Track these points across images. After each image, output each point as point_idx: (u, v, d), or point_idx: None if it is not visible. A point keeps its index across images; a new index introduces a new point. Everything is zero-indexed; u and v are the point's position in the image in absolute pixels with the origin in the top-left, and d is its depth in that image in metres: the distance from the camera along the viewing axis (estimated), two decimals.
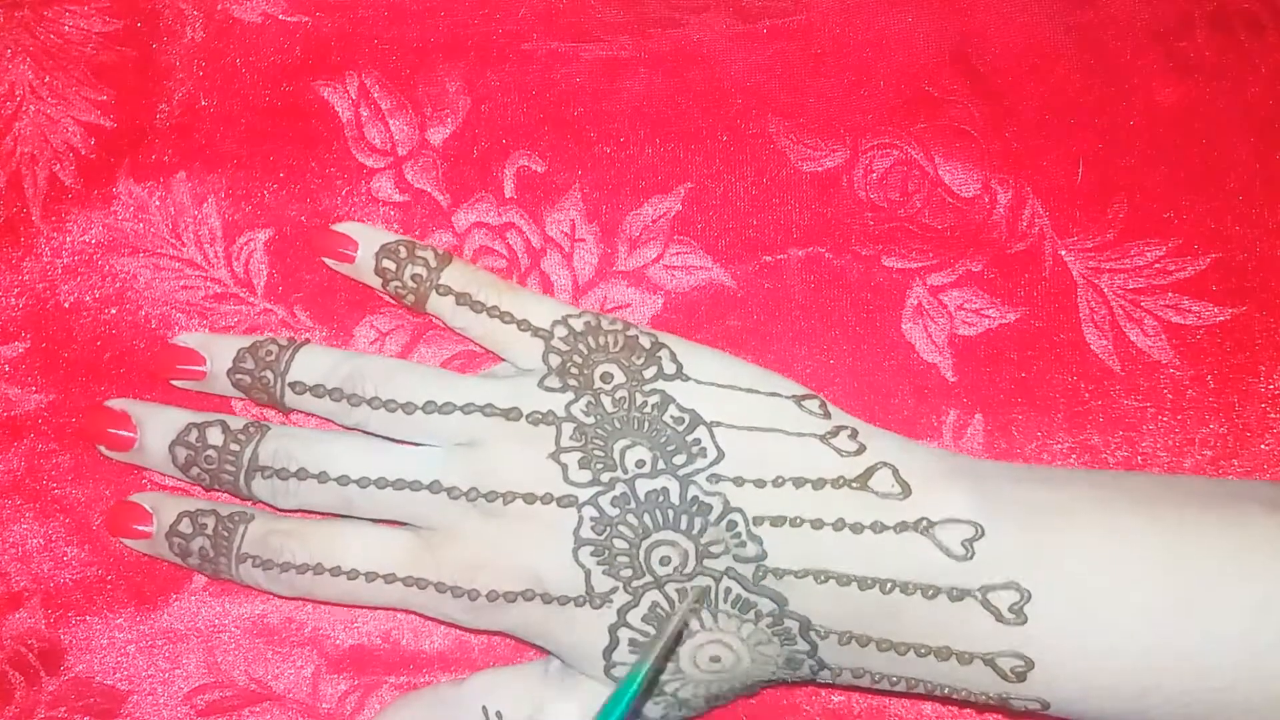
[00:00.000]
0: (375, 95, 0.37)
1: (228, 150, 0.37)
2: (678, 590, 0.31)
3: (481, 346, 0.35)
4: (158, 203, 0.37)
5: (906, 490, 0.31)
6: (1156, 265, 0.36)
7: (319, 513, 0.34)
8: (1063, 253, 0.36)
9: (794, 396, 0.33)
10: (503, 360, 0.35)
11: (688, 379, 0.33)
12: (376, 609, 0.35)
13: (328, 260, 0.36)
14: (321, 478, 0.33)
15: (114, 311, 0.37)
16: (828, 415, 0.32)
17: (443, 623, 0.34)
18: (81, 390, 0.36)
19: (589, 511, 0.31)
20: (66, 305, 0.36)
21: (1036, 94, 0.37)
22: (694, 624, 0.31)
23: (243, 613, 0.35)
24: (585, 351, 0.33)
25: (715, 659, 0.31)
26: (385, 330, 0.37)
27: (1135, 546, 0.30)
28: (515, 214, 0.37)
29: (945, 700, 0.32)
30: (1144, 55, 0.38)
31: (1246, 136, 0.37)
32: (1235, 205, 0.37)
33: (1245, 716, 0.29)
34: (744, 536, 0.31)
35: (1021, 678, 0.30)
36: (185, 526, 0.34)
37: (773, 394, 0.33)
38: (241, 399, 0.36)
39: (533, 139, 0.37)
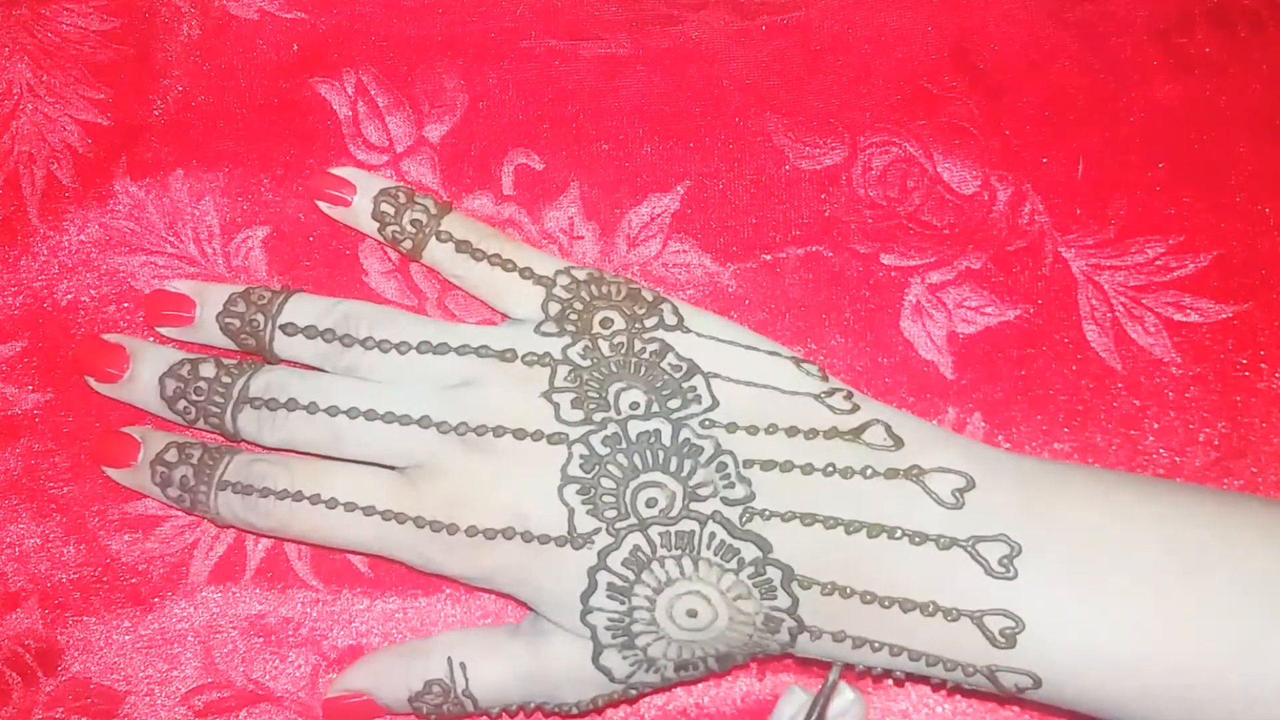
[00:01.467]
0: (373, 92, 0.37)
1: (225, 147, 0.37)
2: (660, 534, 0.31)
3: (478, 298, 0.35)
4: (155, 201, 0.37)
5: (899, 444, 0.31)
6: (1157, 262, 0.36)
7: (304, 453, 0.34)
8: (1063, 250, 0.36)
9: (793, 358, 0.33)
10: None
11: (688, 331, 0.33)
12: (351, 552, 0.35)
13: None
14: (311, 408, 0.32)
15: (112, 310, 0.36)
16: (825, 379, 0.32)
17: (420, 572, 0.34)
18: (78, 390, 0.36)
19: (579, 449, 0.31)
20: (64, 304, 0.36)
21: (1036, 91, 0.37)
22: (674, 572, 0.31)
23: (240, 613, 0.35)
24: (587, 299, 0.33)
25: (692, 613, 0.31)
26: None
27: (1129, 519, 0.30)
28: (514, 211, 0.37)
29: (929, 682, 0.31)
30: (1144, 52, 0.38)
31: (1247, 133, 0.37)
32: (1236, 202, 0.37)
33: (1247, 705, 0.28)
34: (733, 478, 0.31)
35: (1011, 641, 0.29)
36: (171, 455, 0.34)
37: (772, 354, 0.33)
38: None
39: (531, 136, 0.37)
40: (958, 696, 0.35)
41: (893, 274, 0.36)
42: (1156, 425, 0.36)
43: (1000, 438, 0.35)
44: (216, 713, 0.35)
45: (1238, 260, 0.36)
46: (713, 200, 0.37)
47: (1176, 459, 0.35)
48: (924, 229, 0.36)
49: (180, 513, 0.35)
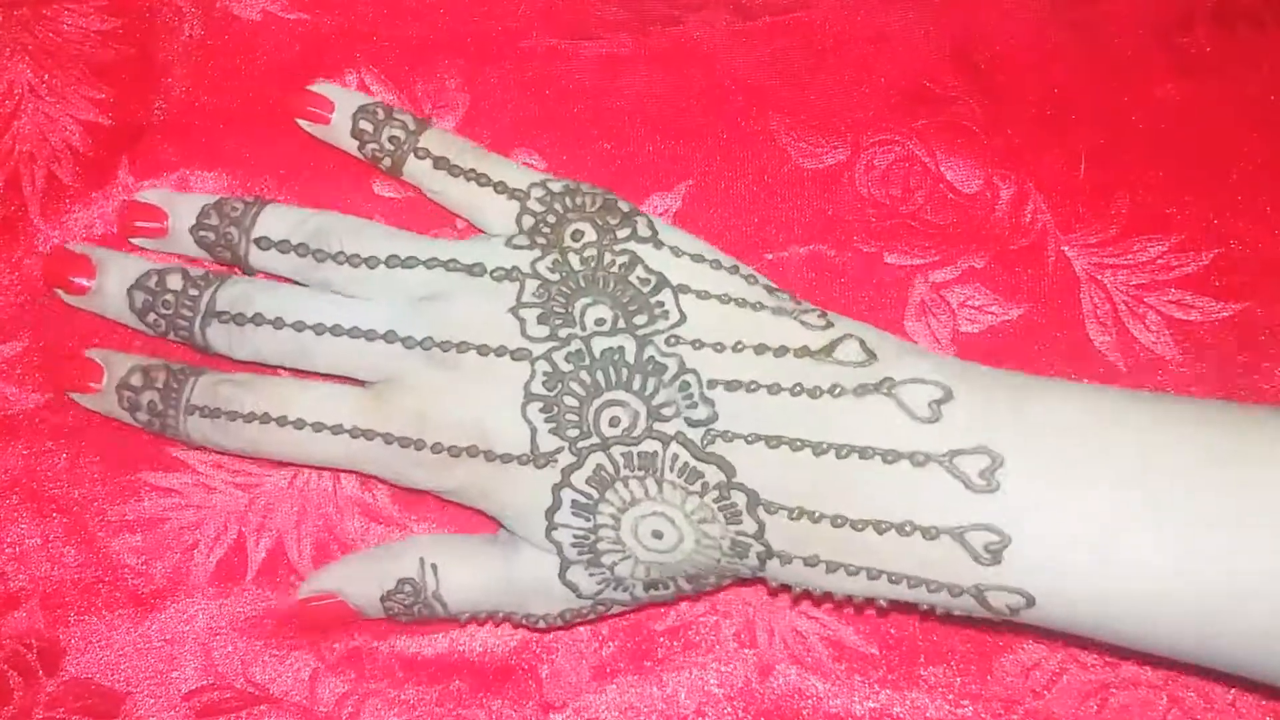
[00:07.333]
0: (375, 92, 0.37)
1: (227, 148, 0.37)
2: (623, 454, 0.30)
3: (457, 214, 0.35)
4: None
5: (872, 358, 0.30)
6: (1159, 261, 0.36)
7: (273, 367, 0.34)
8: (1065, 249, 0.36)
9: (768, 285, 0.32)
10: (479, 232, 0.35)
11: (661, 245, 0.32)
12: (323, 469, 0.35)
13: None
14: (278, 323, 0.32)
15: None
16: (798, 303, 0.32)
17: (391, 485, 0.34)
18: None
19: (542, 366, 0.31)
20: (65, 304, 0.36)
21: (1038, 90, 0.37)
22: (638, 492, 0.30)
23: (241, 614, 0.35)
24: (560, 211, 0.33)
25: (657, 534, 0.30)
26: None
27: (1112, 422, 0.28)
28: None
29: (912, 611, 0.29)
30: (1145, 51, 0.38)
31: (1248, 132, 0.37)
32: (1237, 200, 0.37)
33: (1236, 618, 0.26)
34: (696, 398, 0.30)
35: (996, 557, 0.27)
36: (136, 380, 0.34)
37: (748, 277, 0.32)
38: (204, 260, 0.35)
39: (533, 136, 0.37)
40: (959, 701, 0.35)
41: (896, 273, 0.36)
42: None
43: None
44: (217, 713, 0.35)
45: (1239, 258, 0.36)
46: (715, 199, 0.37)
47: None
48: (927, 228, 0.37)
49: (182, 513, 0.35)
